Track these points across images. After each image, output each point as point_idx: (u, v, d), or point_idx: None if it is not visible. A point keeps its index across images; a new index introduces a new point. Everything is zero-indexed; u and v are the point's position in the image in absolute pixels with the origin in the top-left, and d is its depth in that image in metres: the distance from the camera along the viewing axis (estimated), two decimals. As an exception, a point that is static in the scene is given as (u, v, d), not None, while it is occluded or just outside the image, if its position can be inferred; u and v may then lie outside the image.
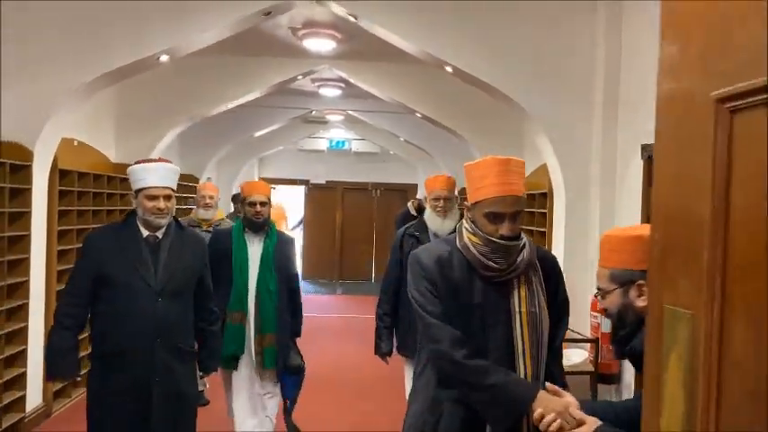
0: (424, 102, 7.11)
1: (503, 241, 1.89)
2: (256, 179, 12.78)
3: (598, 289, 1.67)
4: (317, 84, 8.19)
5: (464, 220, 2.02)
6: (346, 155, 13.09)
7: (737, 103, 0.72)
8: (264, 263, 3.52)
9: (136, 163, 2.78)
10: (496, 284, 1.94)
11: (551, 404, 1.74)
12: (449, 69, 4.97)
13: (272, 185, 3.77)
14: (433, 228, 3.57)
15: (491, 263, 1.91)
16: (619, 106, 4.56)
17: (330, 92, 8.43)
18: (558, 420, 1.68)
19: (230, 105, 7.03)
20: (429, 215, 3.63)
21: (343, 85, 8.13)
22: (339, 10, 4.88)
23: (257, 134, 9.99)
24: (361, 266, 13.44)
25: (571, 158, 4.74)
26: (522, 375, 1.91)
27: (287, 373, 3.59)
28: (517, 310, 1.93)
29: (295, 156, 13.21)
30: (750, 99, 0.70)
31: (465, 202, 2.03)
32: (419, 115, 7.58)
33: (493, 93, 4.98)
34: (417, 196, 7.22)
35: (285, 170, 13.45)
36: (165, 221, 2.66)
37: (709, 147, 0.75)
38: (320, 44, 5.91)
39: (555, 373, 2.00)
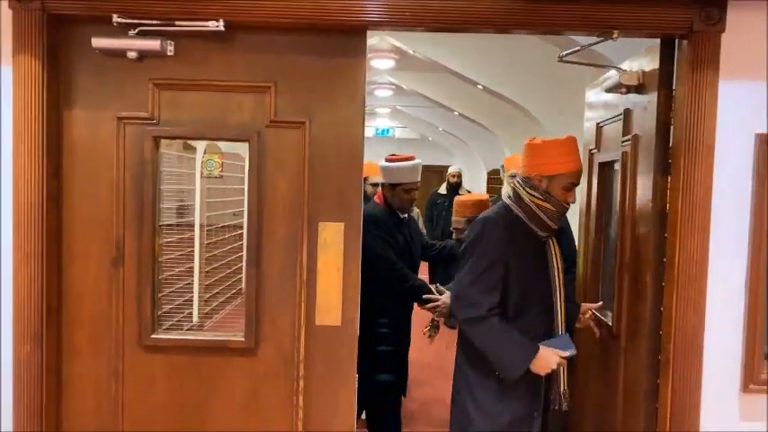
0: (462, 103, 8.95)
1: (568, 206, 2.26)
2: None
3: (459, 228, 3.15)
4: (372, 87, 10.11)
5: (525, 189, 2.26)
6: (390, 141, 14.99)
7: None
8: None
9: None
10: (542, 243, 2.29)
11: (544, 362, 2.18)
12: (480, 87, 6.83)
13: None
14: None
15: (552, 224, 2.23)
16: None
17: (383, 93, 10.35)
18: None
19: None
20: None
21: (393, 87, 10.02)
22: (400, 44, 6.76)
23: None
24: (402, 238, 15.35)
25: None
26: (558, 314, 2.27)
27: None
28: (554, 263, 2.27)
29: (345, 142, 15.13)
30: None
31: (519, 174, 2.35)
32: (456, 113, 9.43)
33: (512, 104, 6.83)
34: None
35: (336, 154, 15.42)
36: None
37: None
38: (383, 63, 7.80)
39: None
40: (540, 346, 2.20)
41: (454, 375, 2.41)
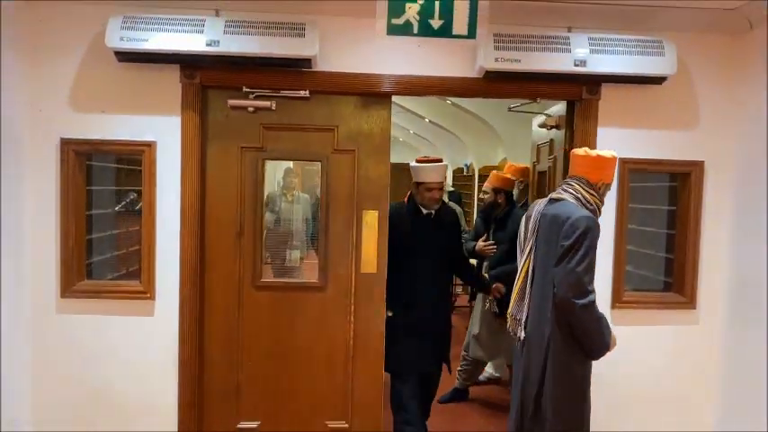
0: (432, 113, 10.36)
1: None
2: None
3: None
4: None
5: (588, 191, 2.70)
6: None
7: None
8: None
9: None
10: None
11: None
12: (449, 102, 8.25)
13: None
14: None
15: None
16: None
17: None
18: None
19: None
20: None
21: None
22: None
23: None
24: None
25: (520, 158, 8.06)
26: None
27: None
28: None
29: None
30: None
31: (580, 178, 2.72)
32: (427, 120, 10.83)
33: (475, 116, 8.27)
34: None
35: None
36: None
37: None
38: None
39: None
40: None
41: (534, 352, 2.72)
